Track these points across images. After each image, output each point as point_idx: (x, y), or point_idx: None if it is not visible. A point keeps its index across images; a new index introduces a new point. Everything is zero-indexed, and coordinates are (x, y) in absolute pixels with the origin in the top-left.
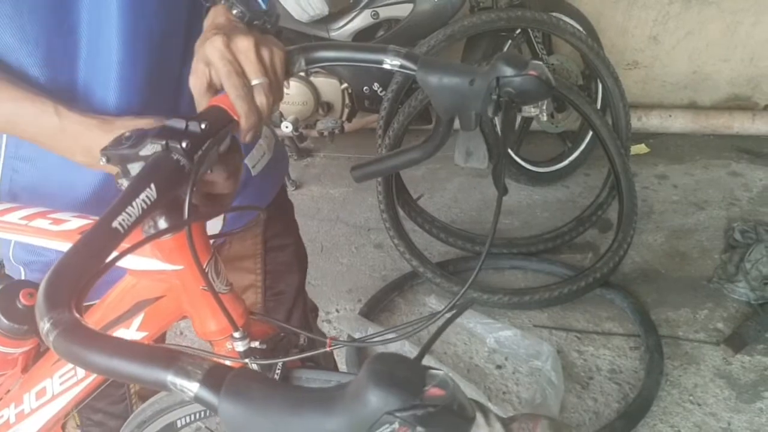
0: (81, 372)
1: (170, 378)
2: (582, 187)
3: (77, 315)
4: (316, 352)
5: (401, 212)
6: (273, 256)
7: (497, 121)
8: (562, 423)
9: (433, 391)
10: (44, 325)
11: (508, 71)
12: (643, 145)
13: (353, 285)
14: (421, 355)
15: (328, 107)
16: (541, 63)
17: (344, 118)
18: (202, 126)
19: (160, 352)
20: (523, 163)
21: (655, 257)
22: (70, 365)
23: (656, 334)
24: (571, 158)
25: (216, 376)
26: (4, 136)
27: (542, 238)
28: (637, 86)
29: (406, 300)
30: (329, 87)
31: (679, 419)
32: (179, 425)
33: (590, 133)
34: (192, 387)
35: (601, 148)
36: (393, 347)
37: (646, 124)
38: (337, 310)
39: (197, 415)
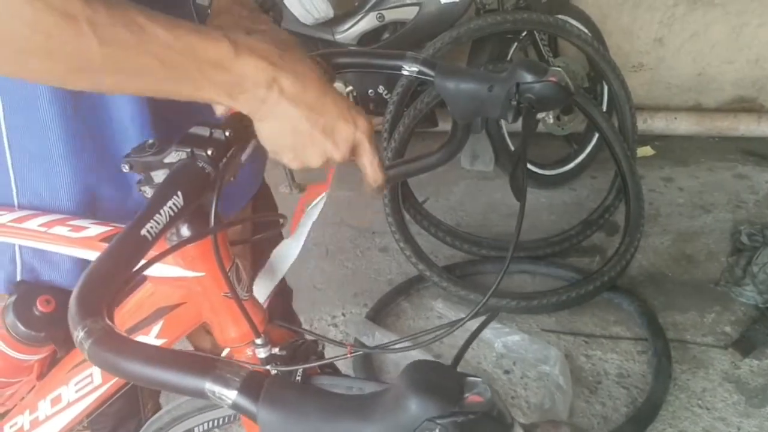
0: (97, 379)
1: (208, 386)
2: (589, 189)
3: (110, 323)
4: (335, 358)
5: (407, 216)
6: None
7: (503, 124)
8: (583, 429)
9: (472, 398)
10: (78, 334)
11: (528, 77)
12: (648, 148)
13: (359, 289)
14: (456, 362)
15: None
16: (560, 69)
17: None
18: (227, 134)
19: (197, 360)
20: (529, 166)
21: (662, 260)
22: (87, 373)
23: (664, 338)
24: (578, 161)
25: (254, 384)
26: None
27: (549, 241)
28: (643, 88)
29: (413, 304)
30: None
31: (688, 423)
32: (210, 427)
33: (596, 135)
34: (230, 395)
35: (607, 150)
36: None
37: (652, 126)
38: (343, 314)
39: (215, 423)
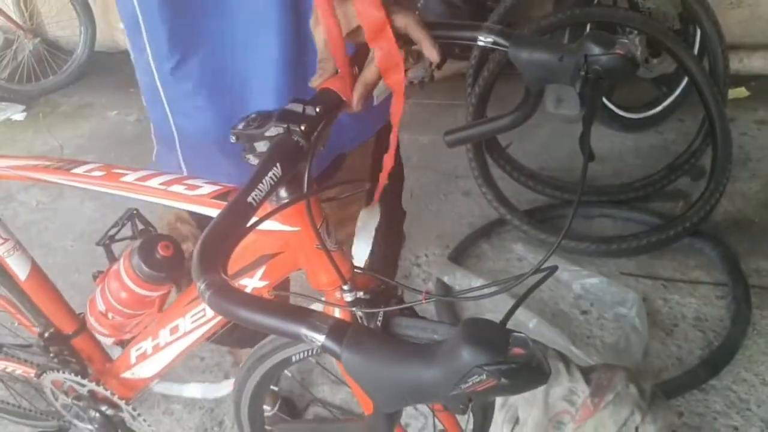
0: (209, 313)
1: (303, 331)
2: (676, 133)
3: (225, 276)
4: (411, 303)
5: (489, 160)
6: (376, 167)
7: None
8: (639, 374)
9: (515, 350)
10: (200, 285)
11: (596, 50)
12: (743, 89)
13: (441, 231)
14: (505, 320)
15: (418, 56)
16: (627, 41)
17: (434, 66)
18: (317, 110)
19: (294, 310)
20: (615, 109)
21: (749, 206)
22: (200, 307)
23: (745, 284)
24: (666, 103)
25: (339, 330)
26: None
27: (633, 185)
28: (741, 26)
29: (494, 246)
30: None
31: (765, 368)
32: (294, 360)
33: (686, 77)
34: (320, 338)
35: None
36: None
37: (749, 66)
38: (426, 255)
39: (310, 352)
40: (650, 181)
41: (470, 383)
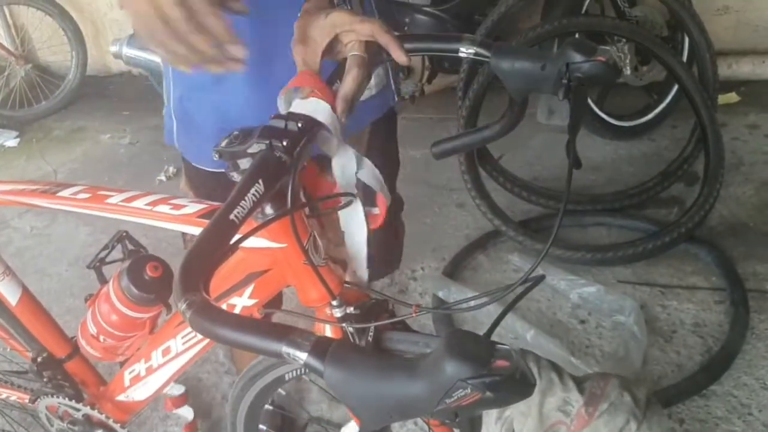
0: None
1: (284, 349)
2: (668, 139)
3: (206, 296)
4: (402, 317)
5: (482, 172)
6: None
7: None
8: (632, 380)
9: (499, 362)
10: (181, 306)
11: (577, 57)
12: (733, 94)
13: (437, 244)
14: (490, 332)
15: (408, 71)
16: (608, 48)
17: (424, 80)
18: (299, 125)
19: (274, 328)
20: (607, 118)
21: (744, 210)
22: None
23: (742, 288)
24: (657, 111)
25: (321, 347)
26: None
27: (627, 193)
28: (728, 32)
29: (490, 258)
30: None
31: (765, 372)
32: (287, 378)
33: (676, 84)
34: (302, 356)
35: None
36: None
37: (737, 72)
38: (422, 268)
39: (303, 370)
40: (644, 188)
41: (455, 397)
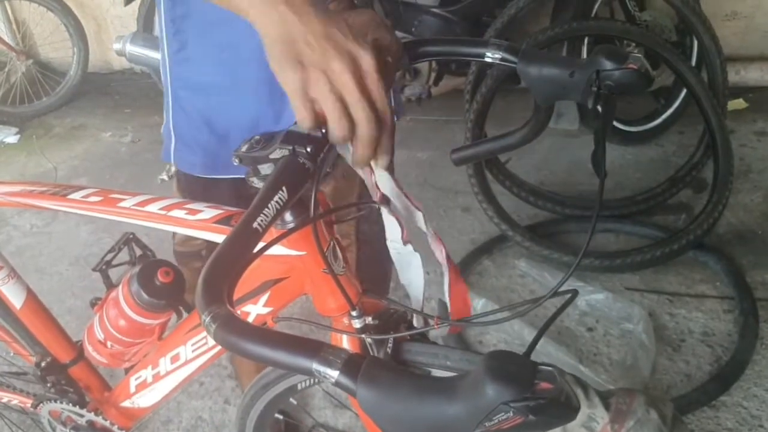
0: (211, 341)
1: (315, 366)
2: (676, 145)
3: (231, 308)
4: (424, 329)
5: (489, 175)
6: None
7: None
8: (658, 396)
9: (543, 385)
10: (205, 318)
11: (608, 65)
12: (741, 100)
13: None
14: (529, 352)
15: (415, 72)
16: (640, 56)
17: (431, 82)
18: (323, 131)
19: (305, 343)
20: (614, 123)
21: (752, 218)
22: (202, 335)
23: (751, 297)
24: (665, 116)
25: (353, 365)
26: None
27: (635, 199)
28: (737, 38)
29: (496, 263)
30: None
31: None
32: (300, 387)
33: (684, 89)
34: (333, 374)
35: (696, 104)
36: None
37: (746, 78)
38: (428, 273)
39: (317, 380)
40: (652, 194)
41: (496, 421)
